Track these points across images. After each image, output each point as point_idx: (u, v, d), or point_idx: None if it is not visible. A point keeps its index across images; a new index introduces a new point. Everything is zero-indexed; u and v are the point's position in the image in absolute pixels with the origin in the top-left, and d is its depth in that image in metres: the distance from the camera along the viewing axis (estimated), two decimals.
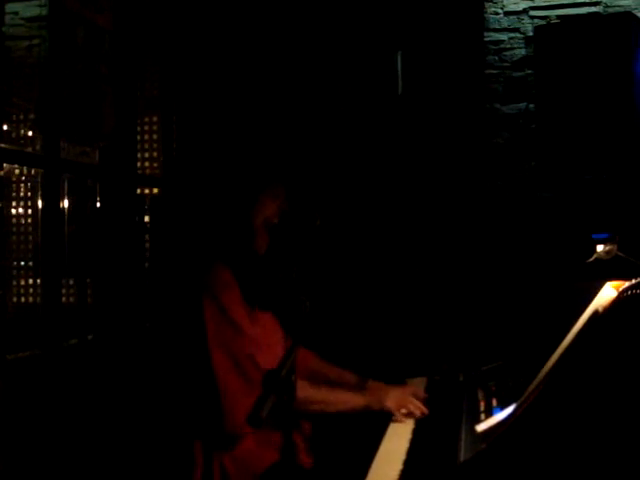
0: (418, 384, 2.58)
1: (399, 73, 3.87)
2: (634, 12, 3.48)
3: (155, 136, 3.66)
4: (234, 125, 3.85)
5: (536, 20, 3.66)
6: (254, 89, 3.90)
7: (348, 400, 2.31)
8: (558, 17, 3.64)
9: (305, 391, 2.13)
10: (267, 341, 2.25)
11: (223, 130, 3.84)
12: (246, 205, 2.31)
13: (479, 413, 1.99)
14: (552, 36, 3.47)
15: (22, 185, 3.34)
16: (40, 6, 2.83)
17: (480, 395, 2.14)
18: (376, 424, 2.26)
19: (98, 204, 3.14)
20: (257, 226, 2.32)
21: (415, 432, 2.16)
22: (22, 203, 3.34)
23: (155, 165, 3.65)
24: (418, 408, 2.29)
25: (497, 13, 3.73)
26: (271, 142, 2.53)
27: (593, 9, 3.61)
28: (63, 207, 2.91)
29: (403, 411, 2.28)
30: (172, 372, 2.74)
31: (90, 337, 3.03)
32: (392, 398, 2.30)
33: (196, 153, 3.77)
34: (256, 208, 2.31)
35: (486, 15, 3.75)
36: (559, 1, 3.65)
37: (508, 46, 3.73)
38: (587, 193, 3.53)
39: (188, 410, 2.40)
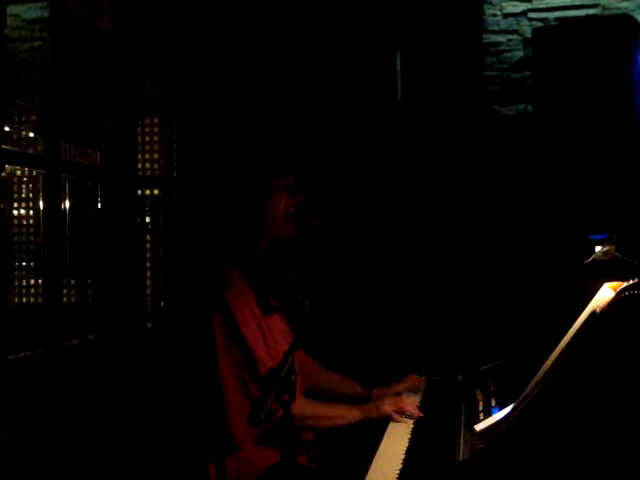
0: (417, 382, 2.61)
1: (398, 74, 3.88)
2: (632, 14, 3.50)
3: (156, 137, 3.66)
4: (234, 126, 3.86)
5: (534, 22, 3.68)
6: (253, 91, 3.91)
7: (345, 415, 2.31)
8: (556, 19, 3.65)
9: (302, 407, 2.14)
10: (276, 346, 2.26)
11: (223, 131, 3.84)
12: (258, 202, 2.32)
13: (478, 413, 2.00)
14: (550, 38, 3.48)
15: (23, 186, 3.34)
16: (41, 8, 2.83)
17: (479, 395, 2.16)
18: (376, 424, 2.28)
19: (99, 205, 3.15)
20: (279, 218, 2.33)
21: (414, 432, 2.18)
22: (23, 204, 3.35)
23: (156, 166, 3.66)
24: (415, 409, 2.31)
25: (495, 15, 3.74)
26: (272, 145, 2.54)
27: (591, 11, 3.62)
28: (64, 208, 2.91)
29: (400, 416, 2.30)
30: (179, 381, 2.76)
31: (91, 337, 3.04)
32: (388, 403, 2.32)
33: (197, 154, 3.77)
34: (270, 203, 2.32)
35: (485, 17, 3.76)
36: (557, 3, 3.66)
37: (507, 48, 3.74)
38: (585, 194, 3.54)
39: (193, 418, 2.42)
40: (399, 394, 2.51)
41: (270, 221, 2.33)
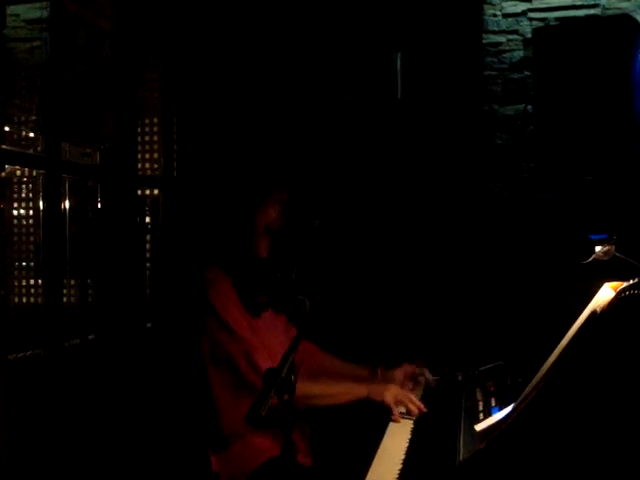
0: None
1: (398, 74, 3.88)
2: (632, 14, 3.49)
3: (155, 137, 3.66)
4: (234, 127, 3.86)
5: (534, 22, 3.67)
6: (253, 91, 3.91)
7: (348, 391, 2.32)
8: (556, 19, 3.65)
9: (304, 386, 2.14)
10: (267, 344, 2.27)
11: (223, 131, 3.84)
12: (249, 211, 2.33)
13: (478, 413, 2.00)
14: (550, 38, 3.48)
15: (23, 186, 3.34)
16: (41, 8, 2.83)
17: (479, 395, 2.15)
18: (376, 424, 2.27)
19: (99, 205, 3.15)
20: (259, 231, 2.34)
21: (414, 432, 2.17)
22: (23, 204, 3.35)
23: (156, 166, 3.66)
24: (415, 405, 2.30)
25: (496, 15, 3.74)
26: (272, 146, 2.54)
27: (591, 11, 3.62)
28: (64, 208, 2.92)
29: (401, 409, 2.29)
30: (171, 379, 2.77)
31: (91, 337, 3.04)
32: (391, 393, 2.31)
33: (197, 155, 3.77)
34: (259, 213, 2.33)
35: (485, 17, 3.76)
36: (557, 3, 3.66)
37: (507, 48, 3.74)
38: (585, 194, 3.54)
39: (187, 415, 2.43)
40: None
41: (256, 229, 2.34)
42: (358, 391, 2.31)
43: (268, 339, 2.32)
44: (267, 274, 2.36)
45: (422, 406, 2.30)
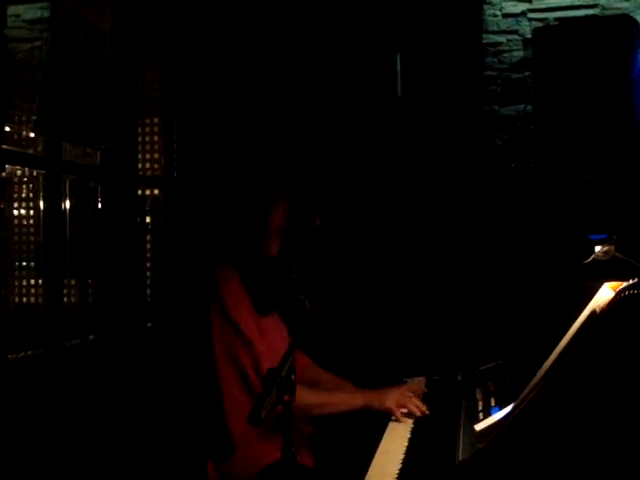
0: (417, 384, 2.60)
1: (398, 74, 3.88)
2: (631, 15, 3.50)
3: (156, 137, 3.67)
4: (235, 126, 3.86)
5: (534, 22, 3.68)
6: (253, 92, 3.91)
7: (347, 400, 2.32)
8: (556, 19, 3.65)
9: (303, 397, 2.14)
10: (273, 347, 2.27)
11: (224, 131, 3.85)
12: (261, 212, 2.33)
13: (477, 413, 2.00)
14: (550, 38, 3.48)
15: (24, 186, 3.34)
16: (42, 9, 2.84)
17: (479, 395, 2.15)
18: (375, 424, 2.27)
19: (99, 205, 3.15)
20: (270, 231, 2.34)
21: (414, 432, 2.17)
22: (24, 204, 3.35)
23: (156, 166, 3.66)
24: (417, 407, 2.30)
25: (495, 15, 3.75)
26: (276, 146, 2.54)
27: (591, 12, 3.62)
28: (64, 208, 2.92)
29: (403, 410, 2.29)
30: (177, 379, 2.76)
31: (92, 337, 3.04)
32: (392, 398, 2.31)
33: (197, 154, 3.78)
34: (270, 214, 2.33)
35: (484, 17, 3.76)
36: (557, 3, 3.67)
37: (506, 48, 3.74)
38: (585, 194, 3.54)
39: (192, 417, 2.42)
40: None
41: (268, 229, 2.33)
42: (355, 401, 2.31)
43: (275, 340, 2.32)
44: (278, 273, 2.36)
45: (424, 407, 2.30)
